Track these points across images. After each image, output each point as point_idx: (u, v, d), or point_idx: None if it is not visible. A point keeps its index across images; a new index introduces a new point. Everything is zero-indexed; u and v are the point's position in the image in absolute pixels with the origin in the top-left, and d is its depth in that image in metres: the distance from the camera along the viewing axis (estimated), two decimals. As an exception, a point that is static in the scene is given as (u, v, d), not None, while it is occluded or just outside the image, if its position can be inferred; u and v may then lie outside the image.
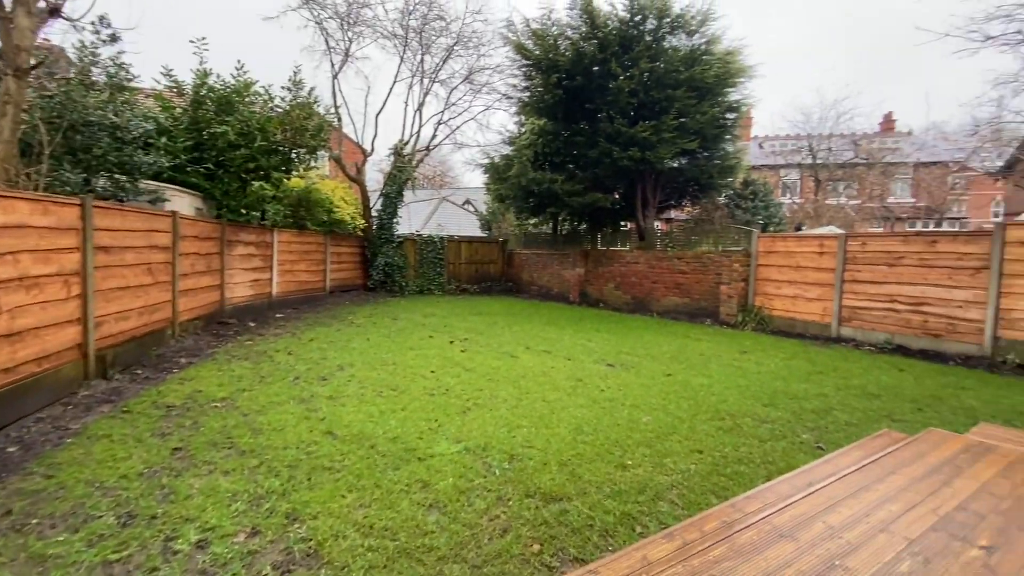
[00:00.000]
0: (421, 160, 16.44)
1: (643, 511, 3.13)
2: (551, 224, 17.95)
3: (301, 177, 12.35)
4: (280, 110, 9.96)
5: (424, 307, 12.86)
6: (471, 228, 23.55)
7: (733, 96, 12.81)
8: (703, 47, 12.15)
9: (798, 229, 14.62)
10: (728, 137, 13.19)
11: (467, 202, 29.22)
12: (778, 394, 5.71)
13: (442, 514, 3.05)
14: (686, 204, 15.65)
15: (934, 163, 25.54)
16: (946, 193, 25.33)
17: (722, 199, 14.99)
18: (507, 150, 16.37)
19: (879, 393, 5.79)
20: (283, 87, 10.24)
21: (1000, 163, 20.18)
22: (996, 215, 28.12)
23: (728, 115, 12.99)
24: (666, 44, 12.22)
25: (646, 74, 11.79)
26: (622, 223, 16.29)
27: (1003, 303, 7.08)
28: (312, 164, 11.28)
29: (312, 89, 10.47)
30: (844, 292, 8.91)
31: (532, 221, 18.92)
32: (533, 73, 13.69)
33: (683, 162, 13.40)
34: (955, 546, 2.57)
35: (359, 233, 15.04)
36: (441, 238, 16.67)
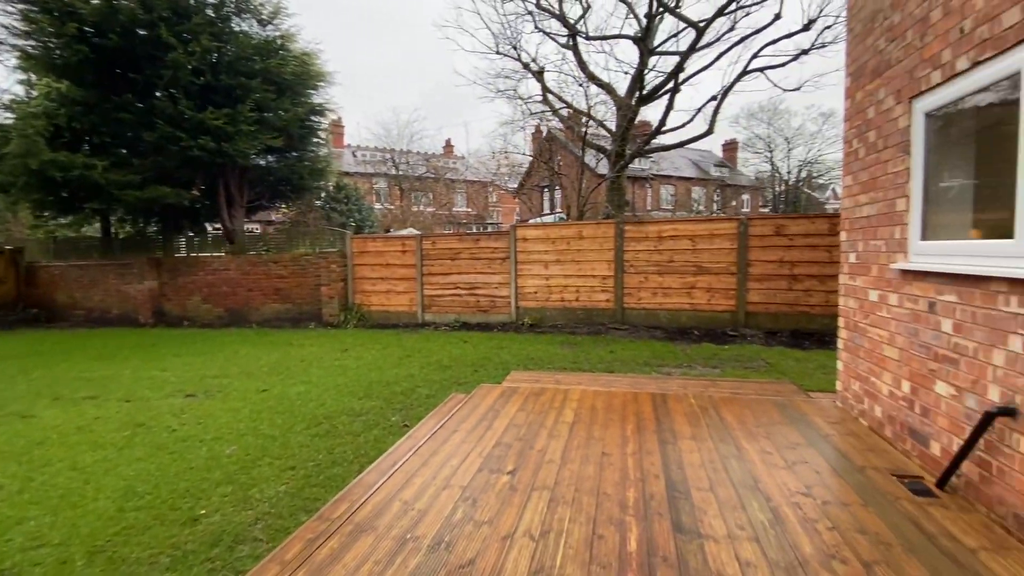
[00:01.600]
0: None
1: (214, 568, 2.60)
2: (102, 226, 13.52)
3: None
4: None
5: None
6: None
7: (316, 99, 12.94)
8: (279, 41, 11.67)
9: (387, 231, 16.31)
10: (317, 140, 13.26)
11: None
12: (373, 384, 6.07)
13: None
14: (280, 205, 14.88)
15: (477, 181, 33.69)
16: (486, 205, 33.93)
17: (318, 202, 15.04)
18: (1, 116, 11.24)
19: (450, 364, 7.01)
20: None
21: (515, 185, 28.68)
22: (516, 220, 39.83)
23: (314, 117, 13.03)
24: (235, 27, 11.07)
25: (213, 54, 10.35)
26: (209, 225, 13.99)
27: (519, 283, 9.87)
28: None
29: None
30: (424, 284, 10.43)
31: (63, 221, 13.76)
32: (38, 14, 9.80)
33: (271, 160, 12.64)
34: (492, 479, 3.27)
35: None
36: None
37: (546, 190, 31.38)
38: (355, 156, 33.52)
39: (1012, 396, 2.35)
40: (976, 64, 2.56)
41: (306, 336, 9.71)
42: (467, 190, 34.67)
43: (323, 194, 14.84)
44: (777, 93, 49.96)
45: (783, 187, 39.12)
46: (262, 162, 12.71)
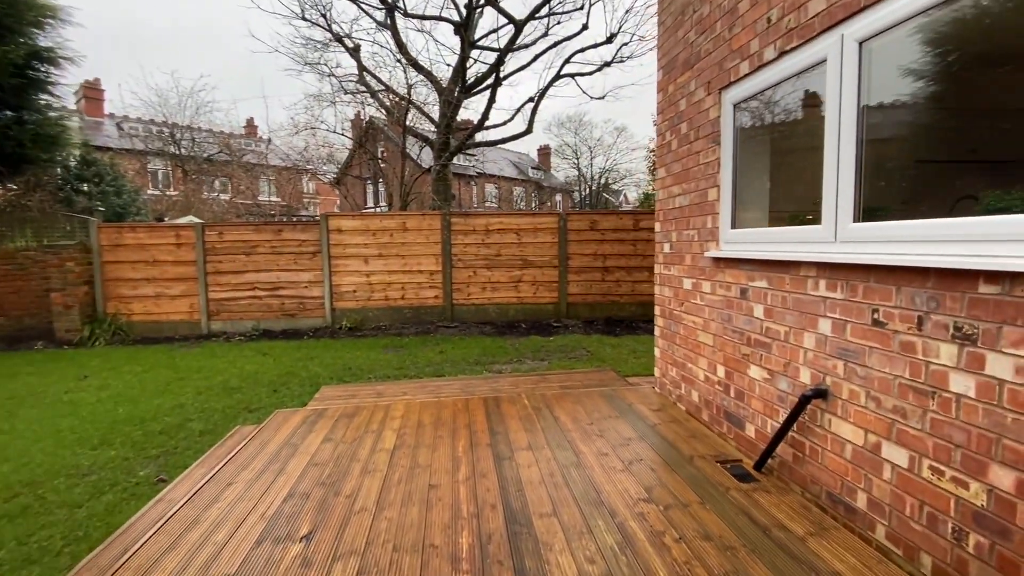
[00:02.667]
0: None
1: None
2: None
3: None
4: None
5: None
6: None
7: (43, 41, 9.58)
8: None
9: (160, 220, 13.13)
10: (46, 98, 9.83)
11: None
12: (119, 424, 4.46)
13: None
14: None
15: (289, 168, 30.01)
16: (299, 195, 30.47)
17: (57, 180, 11.20)
18: None
19: (240, 385, 5.63)
20: None
21: (333, 175, 26.16)
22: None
23: (39, 65, 9.63)
24: None
25: None
26: None
27: (334, 281, 8.66)
28: None
29: None
30: (209, 285, 8.48)
31: None
32: None
33: None
34: (277, 553, 2.37)
35: None
36: None
37: (369, 182, 29.53)
38: (121, 128, 26.85)
39: (822, 378, 2.42)
40: (783, 53, 2.61)
41: (28, 361, 7.02)
42: (276, 177, 30.64)
43: (60, 171, 11.13)
44: (585, 101, 55.74)
45: (588, 191, 43.75)
46: None
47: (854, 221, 2.24)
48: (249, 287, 8.55)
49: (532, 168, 39.85)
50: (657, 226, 4.32)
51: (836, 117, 2.28)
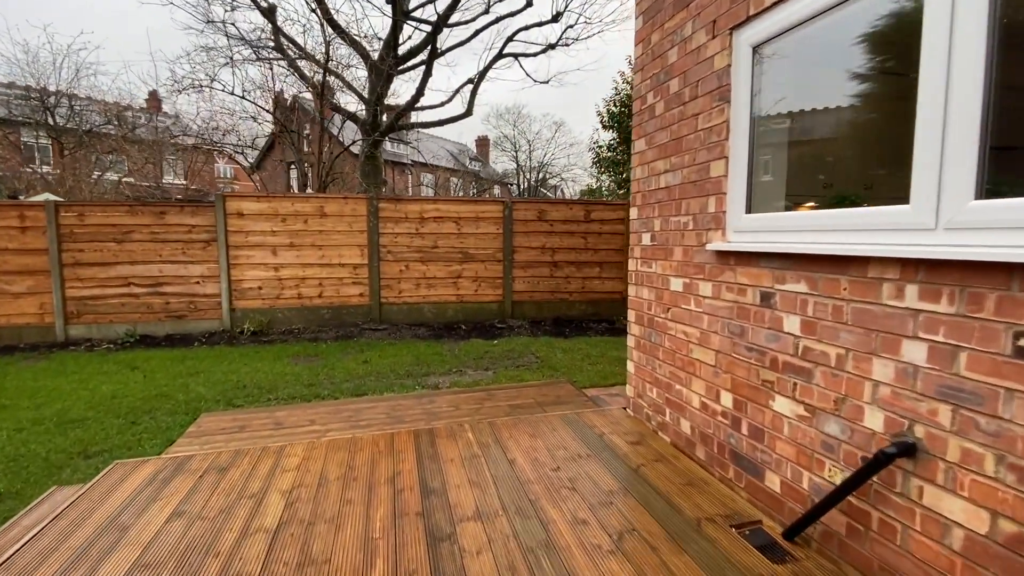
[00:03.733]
0: None
1: None
2: None
3: None
4: None
5: None
6: None
7: None
8: None
9: (13, 197, 10.80)
10: None
11: None
12: None
13: None
14: None
15: (201, 147, 26.81)
16: (215, 180, 27.32)
17: None
18: None
19: (86, 416, 4.23)
20: None
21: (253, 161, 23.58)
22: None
23: None
24: None
25: None
26: None
27: (233, 274, 7.21)
28: None
29: None
30: (67, 280, 6.75)
31: None
32: None
33: None
34: None
35: None
36: None
37: (293, 167, 27.08)
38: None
39: (906, 425, 1.68)
40: (849, -43, 1.83)
41: None
42: (184, 158, 27.25)
43: None
44: (529, 86, 55.15)
45: (527, 185, 43.29)
46: None
47: (975, 198, 1.49)
48: (122, 282, 6.90)
49: (470, 159, 38.69)
50: (633, 212, 3.51)
51: (946, 33, 1.52)
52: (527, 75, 12.70)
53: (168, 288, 7.04)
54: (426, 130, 13.53)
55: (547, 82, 13.31)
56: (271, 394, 4.85)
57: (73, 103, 18.55)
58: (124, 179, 17.78)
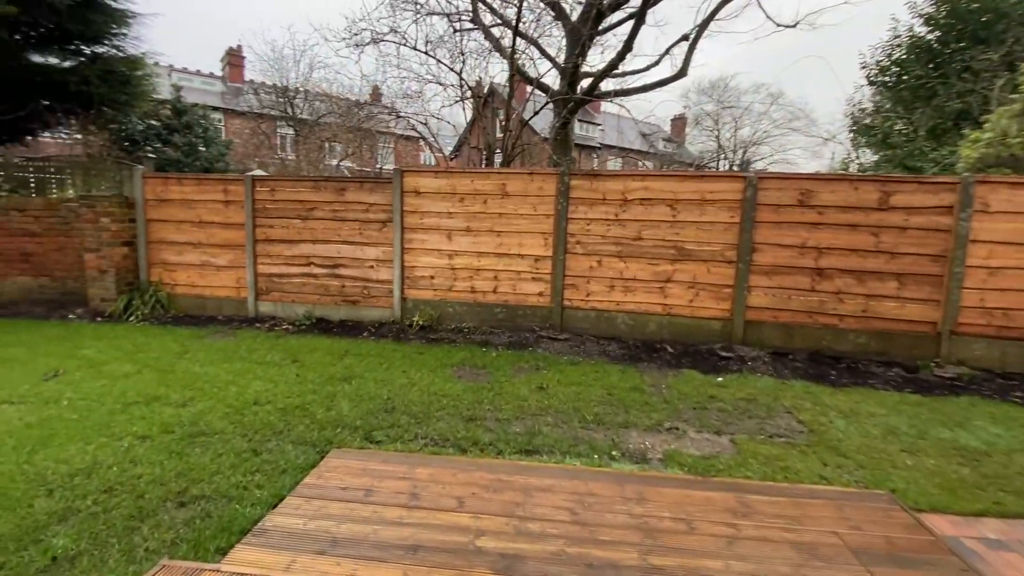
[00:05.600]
0: None
1: None
2: None
3: None
4: None
5: None
6: None
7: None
8: None
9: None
10: (120, 32, 8.74)
11: None
12: (41, 473, 2.49)
13: None
14: (83, 129, 10.07)
15: (410, 136, 29.18)
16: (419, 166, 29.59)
17: (140, 126, 10.48)
18: None
19: (216, 429, 3.50)
20: None
21: (450, 147, 24.70)
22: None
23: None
24: None
25: None
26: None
27: (406, 260, 6.41)
28: None
29: None
30: (258, 256, 6.70)
31: None
32: None
33: (7, 37, 7.75)
34: None
35: None
36: None
37: (484, 154, 27.60)
38: (257, 95, 27.87)
39: None
40: None
41: (43, 333, 5.75)
42: (396, 146, 30.03)
43: (153, 123, 10.38)
44: (762, 34, 48.64)
45: (729, 167, 37.78)
46: (52, 61, 8.16)
47: None
48: (304, 261, 6.62)
49: (663, 140, 35.16)
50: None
51: None
52: (768, 17, 9.69)
53: (344, 271, 6.55)
54: (625, 99, 11.49)
55: (794, 25, 10.07)
56: (421, 427, 3.62)
57: (307, 95, 21.23)
58: (341, 163, 19.87)
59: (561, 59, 10.70)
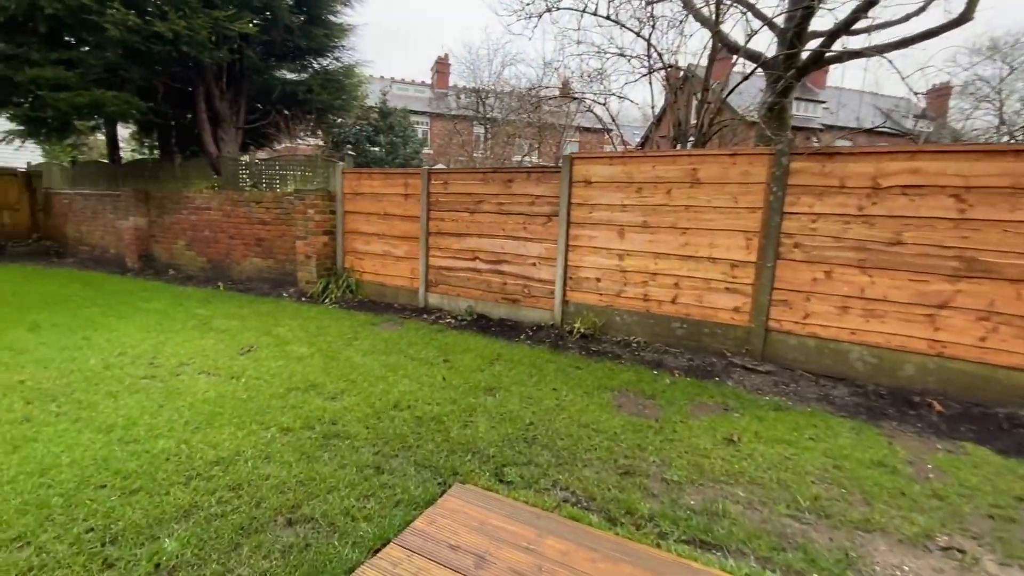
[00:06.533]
0: None
1: None
2: (108, 145, 11.80)
3: None
4: None
5: None
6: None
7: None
8: None
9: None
10: (335, 42, 9.86)
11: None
12: (191, 456, 2.61)
13: None
14: (305, 131, 11.86)
15: (591, 130, 28.63)
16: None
17: (356, 127, 11.87)
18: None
19: (352, 431, 3.29)
20: None
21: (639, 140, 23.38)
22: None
23: (335, 5, 9.56)
24: None
25: None
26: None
27: (570, 258, 5.72)
28: None
29: None
30: (431, 248, 6.75)
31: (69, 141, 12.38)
32: None
33: (254, 59, 9.18)
34: None
35: None
36: None
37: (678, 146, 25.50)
38: (459, 98, 30.40)
39: None
40: None
41: (257, 309, 6.67)
42: (580, 139, 29.77)
43: (364, 124, 11.70)
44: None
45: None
46: (286, 74, 9.75)
47: None
48: (470, 256, 6.44)
49: (914, 116, 27.81)
50: None
51: None
52: None
53: (506, 267, 6.18)
54: (868, 60, 8.85)
55: None
56: (562, 471, 2.89)
57: (499, 94, 22.09)
58: (525, 158, 20.27)
59: (780, 21, 8.70)
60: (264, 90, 8.98)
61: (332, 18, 9.13)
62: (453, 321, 6.28)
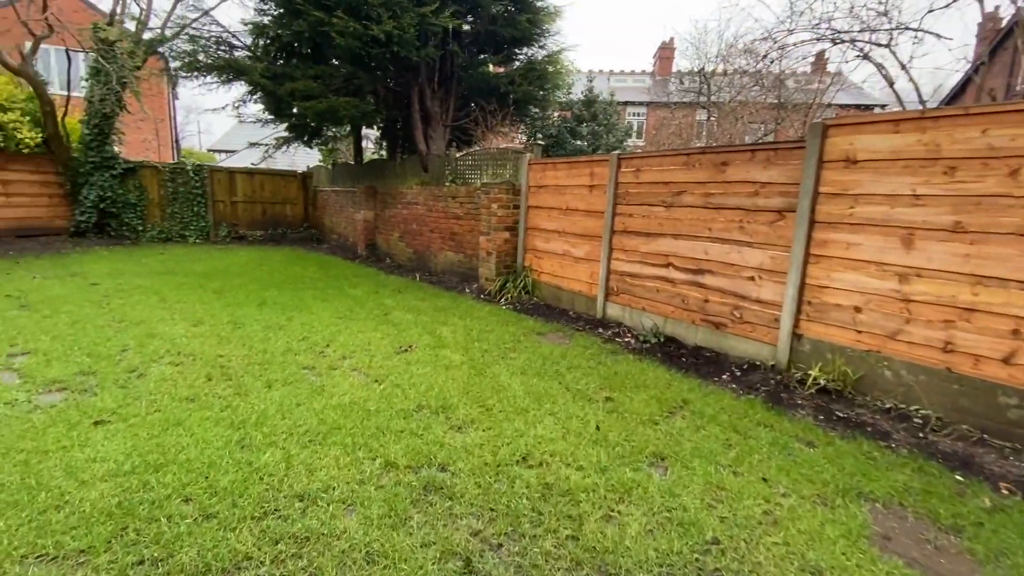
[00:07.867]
0: (153, 47, 11.48)
1: None
2: (354, 147, 13.83)
3: None
4: None
5: (124, 263, 8.89)
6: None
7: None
8: None
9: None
10: (539, 29, 9.39)
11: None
12: (276, 488, 2.34)
13: None
14: (503, 125, 11.73)
15: (852, 105, 22.87)
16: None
17: (557, 116, 11.32)
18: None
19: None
20: None
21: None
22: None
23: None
24: None
25: None
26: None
27: (811, 274, 3.95)
28: None
29: None
30: (613, 249, 5.65)
31: (333, 147, 14.75)
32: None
33: (461, 54, 9.22)
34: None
35: (42, 152, 10.54)
36: (199, 167, 12.34)
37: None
38: (681, 82, 27.89)
39: None
40: None
41: (435, 303, 6.59)
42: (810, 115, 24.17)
43: (561, 114, 11.08)
44: None
45: None
46: (491, 68, 9.82)
47: None
48: (662, 261, 5.13)
49: None
50: None
51: None
52: None
53: (710, 279, 4.69)
54: None
55: None
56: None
57: (726, 72, 19.13)
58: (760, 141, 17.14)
59: None
60: (471, 86, 9.14)
61: (537, 2, 8.72)
62: (633, 341, 5.09)
